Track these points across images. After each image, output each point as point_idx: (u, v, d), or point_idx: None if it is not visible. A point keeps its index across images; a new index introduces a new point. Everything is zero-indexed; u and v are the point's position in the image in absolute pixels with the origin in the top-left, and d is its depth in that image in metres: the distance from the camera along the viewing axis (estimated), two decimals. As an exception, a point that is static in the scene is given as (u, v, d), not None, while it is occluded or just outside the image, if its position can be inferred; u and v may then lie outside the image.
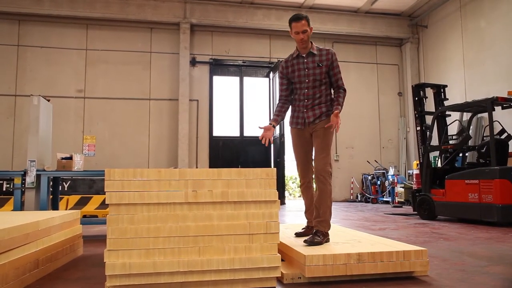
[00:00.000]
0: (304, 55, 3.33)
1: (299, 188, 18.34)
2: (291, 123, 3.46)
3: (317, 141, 3.29)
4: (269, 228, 2.57)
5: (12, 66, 11.27)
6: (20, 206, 4.78)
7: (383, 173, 11.89)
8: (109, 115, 11.67)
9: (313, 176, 3.37)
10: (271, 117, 3.46)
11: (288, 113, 3.56)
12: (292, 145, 3.52)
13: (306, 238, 3.06)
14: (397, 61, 13.71)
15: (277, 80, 11.82)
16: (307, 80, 3.31)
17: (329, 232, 3.20)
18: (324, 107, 3.31)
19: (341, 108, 3.26)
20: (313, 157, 3.39)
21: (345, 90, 3.35)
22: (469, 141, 7.09)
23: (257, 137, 3.48)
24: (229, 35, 12.58)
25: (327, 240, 3.10)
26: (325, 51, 3.32)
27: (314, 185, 3.33)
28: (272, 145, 12.48)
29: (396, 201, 10.76)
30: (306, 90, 3.32)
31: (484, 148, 6.39)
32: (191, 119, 11.97)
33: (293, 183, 17.72)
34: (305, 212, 3.50)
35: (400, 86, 13.70)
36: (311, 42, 3.34)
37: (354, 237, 3.36)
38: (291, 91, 3.47)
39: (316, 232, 3.09)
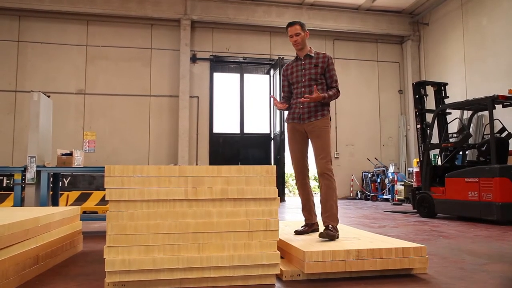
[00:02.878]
0: (302, 58, 3.53)
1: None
2: (288, 119, 3.61)
3: (315, 141, 3.43)
4: (269, 226, 2.57)
5: (12, 62, 11.26)
6: (20, 202, 4.78)
7: (383, 170, 11.89)
8: (109, 111, 11.66)
9: (308, 173, 3.57)
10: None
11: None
12: (287, 141, 3.62)
13: (321, 232, 3.12)
14: (398, 59, 13.69)
15: (278, 77, 11.83)
16: (303, 80, 3.49)
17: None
18: (319, 105, 3.44)
19: (327, 98, 3.40)
20: (305, 156, 3.55)
21: (338, 91, 3.49)
22: (470, 139, 7.09)
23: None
24: (230, 32, 12.55)
25: (338, 236, 3.11)
26: (321, 54, 3.53)
27: (321, 182, 3.42)
28: (272, 142, 12.51)
29: (396, 199, 10.78)
30: (303, 89, 3.48)
31: (484, 146, 6.38)
32: (191, 116, 11.96)
33: (293, 180, 17.72)
34: (302, 210, 3.57)
35: (401, 83, 13.68)
36: (310, 47, 3.55)
37: (353, 234, 3.37)
38: (291, 92, 3.63)
39: (327, 226, 3.19)
